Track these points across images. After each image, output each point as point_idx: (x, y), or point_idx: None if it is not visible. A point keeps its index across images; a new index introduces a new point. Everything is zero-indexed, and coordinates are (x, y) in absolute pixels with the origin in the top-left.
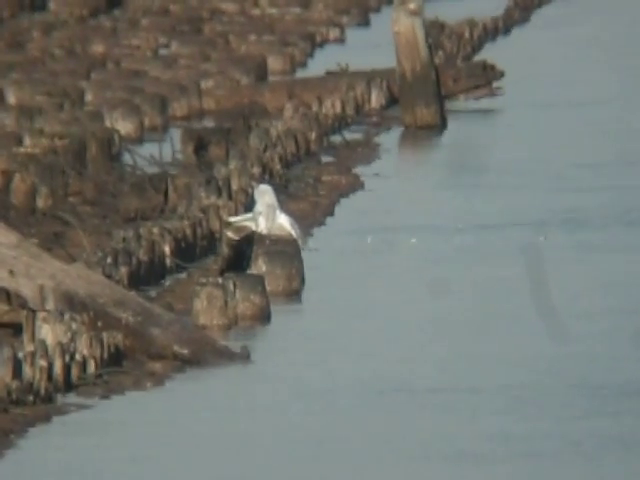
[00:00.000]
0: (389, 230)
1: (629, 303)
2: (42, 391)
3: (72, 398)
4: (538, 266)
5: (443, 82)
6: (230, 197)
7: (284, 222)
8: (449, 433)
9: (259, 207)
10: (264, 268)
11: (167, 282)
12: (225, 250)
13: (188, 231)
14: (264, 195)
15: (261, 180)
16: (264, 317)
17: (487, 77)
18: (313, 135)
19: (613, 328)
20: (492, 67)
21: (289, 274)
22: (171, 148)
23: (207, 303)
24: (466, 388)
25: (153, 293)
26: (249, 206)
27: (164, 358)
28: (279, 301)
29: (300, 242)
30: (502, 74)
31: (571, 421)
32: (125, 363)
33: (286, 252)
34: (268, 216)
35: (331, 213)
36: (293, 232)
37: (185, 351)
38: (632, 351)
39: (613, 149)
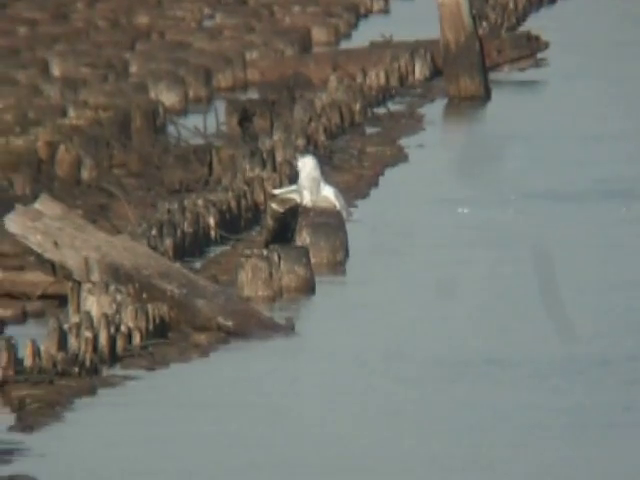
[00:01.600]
0: (432, 201)
1: None
2: (87, 363)
3: (117, 370)
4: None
5: (487, 53)
6: (274, 169)
7: (328, 193)
8: (493, 404)
9: (303, 179)
10: (308, 240)
11: (212, 254)
12: (270, 222)
13: (232, 203)
14: (307, 167)
15: (305, 151)
16: (308, 289)
17: (531, 48)
18: (357, 106)
19: None
20: (536, 38)
21: (333, 246)
22: (215, 120)
23: (252, 275)
24: (507, 362)
25: (198, 265)
26: (293, 178)
27: (209, 330)
28: (323, 273)
29: (344, 213)
30: (547, 45)
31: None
32: (170, 335)
33: (330, 224)
34: (312, 189)
35: (375, 184)
36: (337, 203)
37: (230, 323)
38: None
39: None
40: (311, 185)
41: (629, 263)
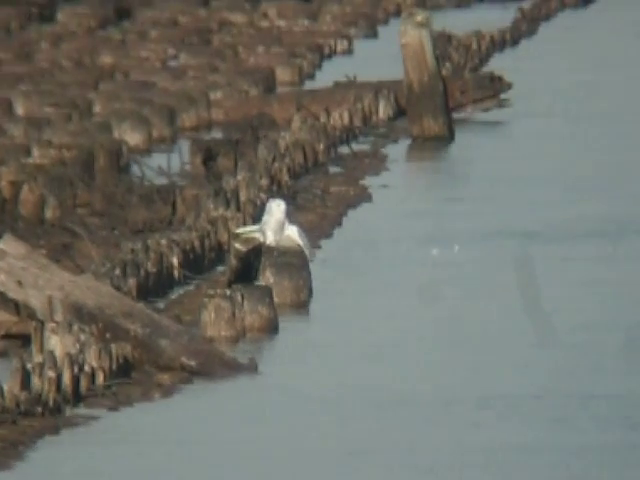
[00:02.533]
0: (396, 241)
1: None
2: (50, 402)
3: (81, 409)
4: (531, 276)
5: (450, 94)
6: (238, 209)
7: (292, 233)
8: (454, 444)
9: (269, 221)
10: (272, 280)
11: (175, 294)
12: (233, 262)
13: (196, 243)
14: (278, 211)
15: (273, 195)
16: (272, 329)
17: (495, 89)
18: (321, 146)
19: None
20: (500, 79)
21: (297, 286)
22: (179, 159)
23: (215, 315)
24: (470, 399)
25: (161, 305)
26: (257, 217)
27: (172, 369)
28: (287, 313)
29: (308, 253)
30: (510, 86)
31: (561, 432)
32: (133, 374)
33: (294, 264)
34: (276, 229)
35: (339, 224)
36: (301, 243)
37: (193, 363)
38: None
39: (617, 161)
40: (275, 227)
41: (607, 303)
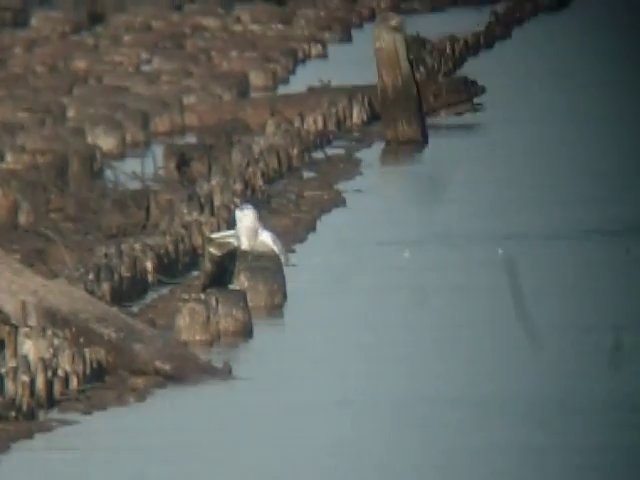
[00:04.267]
0: (370, 245)
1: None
2: (24, 407)
3: (54, 414)
4: (515, 278)
5: (424, 98)
6: (212, 213)
7: (266, 238)
8: (429, 446)
9: (241, 228)
10: (246, 284)
11: (149, 298)
12: (207, 266)
13: (170, 247)
14: (246, 220)
15: (244, 203)
16: (246, 333)
17: (468, 93)
18: (295, 151)
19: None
20: (473, 83)
21: (271, 290)
22: (153, 164)
23: (189, 319)
24: (445, 400)
25: (135, 309)
26: (232, 222)
27: (146, 374)
28: (261, 317)
29: (282, 258)
30: (483, 90)
31: (543, 435)
32: (107, 379)
33: (268, 268)
34: (249, 236)
35: (313, 229)
36: (275, 248)
37: (167, 367)
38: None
39: (593, 164)
40: (247, 233)
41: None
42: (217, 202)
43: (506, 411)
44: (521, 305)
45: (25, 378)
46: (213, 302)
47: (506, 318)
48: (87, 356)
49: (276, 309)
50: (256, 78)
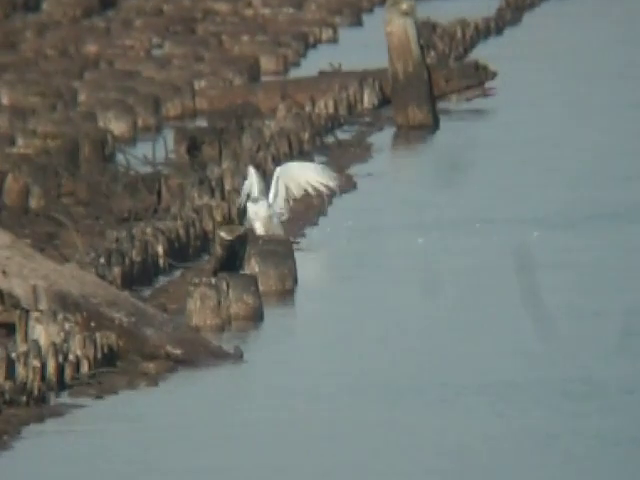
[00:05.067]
0: (381, 230)
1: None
2: (35, 391)
3: (65, 398)
4: (528, 266)
5: (435, 82)
6: (223, 197)
7: (278, 229)
8: (441, 431)
9: (255, 218)
10: (257, 268)
11: (160, 282)
12: (218, 250)
13: (181, 231)
14: (260, 210)
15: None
16: (257, 317)
17: (479, 77)
18: (306, 135)
19: None
20: (484, 67)
21: (282, 274)
22: (164, 148)
23: (200, 303)
24: (457, 385)
25: (146, 293)
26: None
27: (157, 358)
28: (272, 301)
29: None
30: (494, 74)
31: (558, 419)
32: (118, 363)
33: (279, 252)
34: (265, 224)
35: (324, 213)
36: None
37: (178, 351)
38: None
39: (605, 147)
40: (265, 222)
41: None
42: (228, 186)
43: (522, 396)
44: (536, 289)
45: (36, 363)
46: (224, 286)
47: (520, 302)
48: (98, 341)
49: (287, 294)
50: (267, 62)
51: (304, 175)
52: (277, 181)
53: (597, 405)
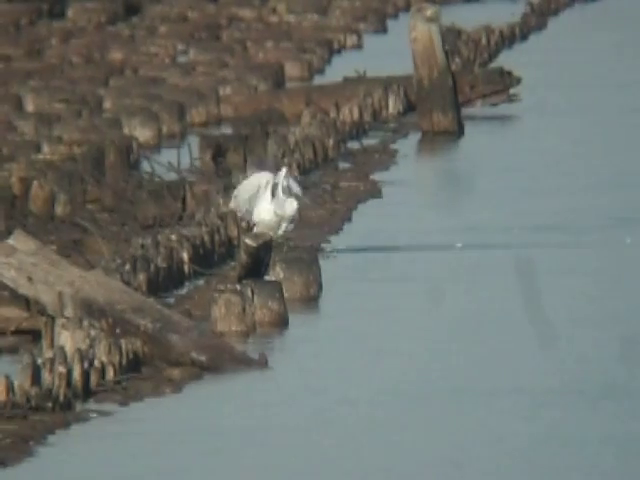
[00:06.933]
0: (406, 236)
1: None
2: (61, 398)
3: (91, 405)
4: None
5: (460, 88)
6: None
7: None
8: (462, 437)
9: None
10: (282, 275)
11: (185, 289)
12: (243, 257)
13: (206, 238)
14: (289, 207)
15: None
16: (282, 324)
17: (504, 83)
18: (331, 142)
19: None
20: (509, 73)
21: (307, 281)
22: (189, 155)
23: (225, 310)
24: (483, 391)
25: (171, 300)
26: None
27: (182, 365)
28: (297, 308)
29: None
30: (519, 80)
31: (569, 424)
32: (143, 369)
33: (304, 259)
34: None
35: (349, 219)
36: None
37: (203, 358)
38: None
39: (629, 154)
40: (294, 220)
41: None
42: None
43: (528, 401)
44: (559, 295)
45: (62, 369)
46: (249, 293)
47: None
48: (123, 347)
49: (312, 300)
50: (292, 69)
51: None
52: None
53: (619, 410)
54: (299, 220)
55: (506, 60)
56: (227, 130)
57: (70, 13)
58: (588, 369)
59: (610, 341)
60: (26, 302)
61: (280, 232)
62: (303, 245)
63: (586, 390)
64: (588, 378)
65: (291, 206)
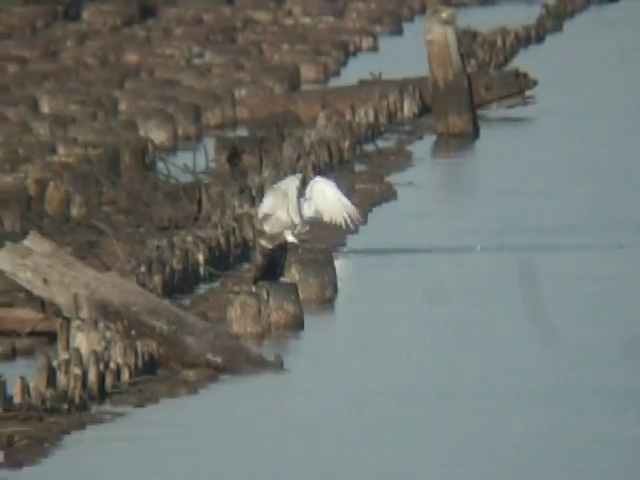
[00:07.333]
0: (421, 239)
1: None
2: (76, 399)
3: (106, 406)
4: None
5: (475, 90)
6: None
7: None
8: (479, 435)
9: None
10: (297, 276)
11: (201, 291)
12: (259, 258)
13: (222, 240)
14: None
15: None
16: (297, 325)
17: (519, 85)
18: (346, 144)
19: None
20: (524, 75)
21: (322, 282)
22: (205, 157)
23: (241, 311)
24: (494, 392)
25: (187, 301)
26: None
27: (198, 366)
28: (312, 309)
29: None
30: (535, 82)
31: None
32: (159, 371)
33: (319, 260)
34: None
35: (364, 222)
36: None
37: (218, 359)
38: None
39: None
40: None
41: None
42: None
43: (532, 402)
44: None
45: (77, 371)
46: (264, 295)
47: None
48: (139, 349)
49: (327, 302)
50: (307, 71)
51: (335, 204)
52: (312, 190)
53: (622, 412)
54: (314, 223)
55: (522, 62)
56: (242, 132)
57: (85, 15)
58: (591, 371)
59: (612, 343)
60: (41, 304)
61: (295, 232)
62: (319, 247)
63: (589, 392)
64: (591, 380)
65: (308, 209)
